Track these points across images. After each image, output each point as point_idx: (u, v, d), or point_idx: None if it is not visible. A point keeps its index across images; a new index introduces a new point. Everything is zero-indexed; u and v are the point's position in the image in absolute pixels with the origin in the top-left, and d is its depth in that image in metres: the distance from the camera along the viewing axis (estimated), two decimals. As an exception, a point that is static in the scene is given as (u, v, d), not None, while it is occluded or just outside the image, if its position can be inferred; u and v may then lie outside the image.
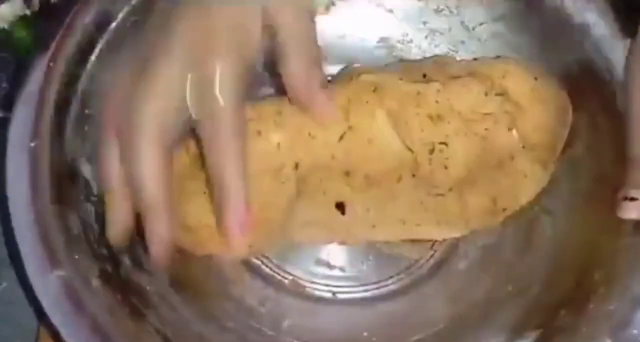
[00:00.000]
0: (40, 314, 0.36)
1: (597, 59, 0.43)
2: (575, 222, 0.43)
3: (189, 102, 0.36)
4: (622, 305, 0.38)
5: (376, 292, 0.45)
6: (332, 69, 0.48)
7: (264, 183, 0.40)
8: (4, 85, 0.47)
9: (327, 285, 0.45)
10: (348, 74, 0.43)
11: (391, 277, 0.45)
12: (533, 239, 0.44)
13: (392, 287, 0.45)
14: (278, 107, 0.40)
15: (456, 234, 0.42)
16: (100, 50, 0.40)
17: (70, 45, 0.39)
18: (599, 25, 0.42)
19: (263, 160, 0.39)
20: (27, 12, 0.48)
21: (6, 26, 0.48)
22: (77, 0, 0.39)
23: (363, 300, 0.45)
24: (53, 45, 0.38)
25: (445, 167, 0.41)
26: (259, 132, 0.39)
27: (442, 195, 0.41)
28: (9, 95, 0.46)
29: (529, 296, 0.43)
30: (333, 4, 0.48)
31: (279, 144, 0.40)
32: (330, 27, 0.48)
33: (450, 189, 0.41)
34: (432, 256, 0.45)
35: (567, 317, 0.39)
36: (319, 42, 0.44)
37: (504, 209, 0.42)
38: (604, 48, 0.42)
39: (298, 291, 0.45)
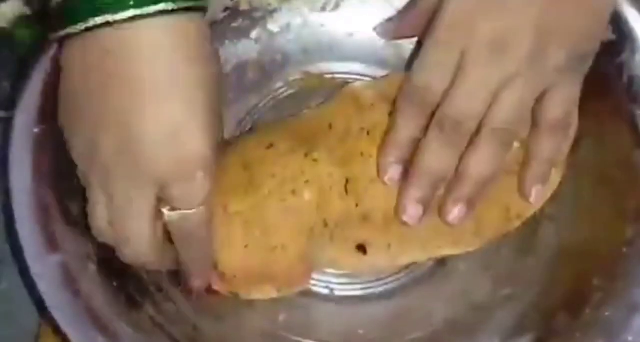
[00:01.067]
0: (41, 307, 0.36)
1: (606, 62, 0.42)
2: (577, 228, 0.43)
3: None
4: (619, 311, 0.38)
5: (374, 290, 0.45)
6: (339, 67, 0.48)
7: (302, 239, 0.41)
8: (5, 84, 0.47)
9: (324, 281, 0.45)
10: (344, 102, 0.44)
11: (390, 276, 0.45)
12: (534, 243, 0.44)
13: (390, 286, 0.45)
14: (301, 165, 0.41)
15: (474, 247, 0.43)
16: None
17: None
18: (608, 29, 0.42)
19: (299, 218, 0.41)
20: (28, 11, 0.48)
21: (7, 25, 0.48)
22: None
23: (360, 298, 0.45)
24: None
25: None
26: (294, 192, 0.40)
27: None
28: (9, 95, 0.47)
29: (527, 299, 0.42)
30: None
31: (310, 202, 0.41)
32: (338, 24, 0.48)
33: None
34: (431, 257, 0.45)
35: (563, 322, 0.39)
36: (327, 39, 0.45)
37: (519, 216, 0.43)
38: (612, 52, 0.42)
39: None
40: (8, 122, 0.39)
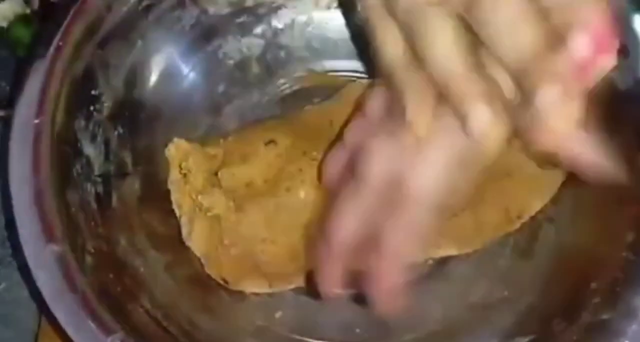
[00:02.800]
0: (39, 300, 0.36)
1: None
2: (577, 231, 0.43)
3: None
4: (616, 316, 0.37)
5: (372, 289, 0.45)
6: (342, 65, 0.48)
7: (294, 237, 0.41)
8: (3, 84, 0.48)
9: (322, 279, 0.45)
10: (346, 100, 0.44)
11: (388, 275, 0.45)
12: (534, 246, 0.44)
13: (388, 285, 0.45)
14: (299, 164, 0.41)
15: (474, 248, 0.43)
16: (110, 32, 0.41)
17: (81, 25, 0.40)
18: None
19: (294, 215, 0.41)
20: (27, 10, 0.49)
21: (5, 25, 0.48)
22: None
23: (358, 296, 0.45)
24: (64, 25, 0.39)
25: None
26: (288, 189, 0.41)
27: (457, 215, 0.42)
28: (8, 95, 0.47)
29: (525, 302, 0.42)
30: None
31: (304, 201, 0.41)
32: (343, 22, 0.48)
33: (464, 209, 0.42)
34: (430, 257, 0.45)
35: (560, 325, 0.39)
36: (331, 37, 0.45)
37: (519, 217, 0.43)
38: (617, 54, 0.42)
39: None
40: (7, 122, 0.39)
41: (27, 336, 0.43)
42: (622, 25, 0.38)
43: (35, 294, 0.39)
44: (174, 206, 0.42)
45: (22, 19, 0.48)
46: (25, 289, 0.43)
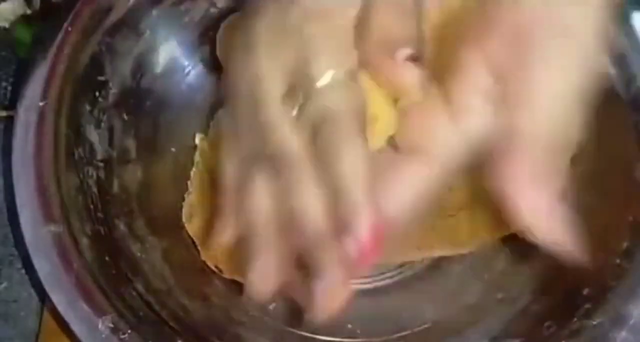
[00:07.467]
0: (39, 286, 0.37)
1: (614, 74, 0.42)
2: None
3: None
4: (606, 322, 0.37)
5: (366, 286, 0.45)
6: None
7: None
8: (5, 84, 0.48)
9: (317, 274, 0.45)
10: None
11: (383, 273, 0.45)
12: (530, 249, 0.44)
13: (382, 283, 0.45)
14: None
15: (469, 249, 0.43)
16: (119, 20, 0.41)
17: (90, 11, 0.40)
18: (617, 38, 0.42)
19: None
20: (28, 11, 0.49)
21: (7, 25, 0.48)
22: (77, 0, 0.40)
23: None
24: (73, 12, 0.40)
25: (450, 190, 0.41)
26: None
27: (453, 216, 0.42)
28: (9, 95, 0.47)
29: (517, 305, 0.42)
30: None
31: None
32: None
33: (461, 209, 0.42)
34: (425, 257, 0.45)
35: (550, 329, 0.39)
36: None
37: None
38: (621, 64, 0.42)
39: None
40: (8, 121, 0.39)
41: (28, 336, 0.43)
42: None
43: (37, 292, 0.39)
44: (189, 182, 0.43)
45: (23, 19, 0.49)
46: (26, 288, 0.43)
